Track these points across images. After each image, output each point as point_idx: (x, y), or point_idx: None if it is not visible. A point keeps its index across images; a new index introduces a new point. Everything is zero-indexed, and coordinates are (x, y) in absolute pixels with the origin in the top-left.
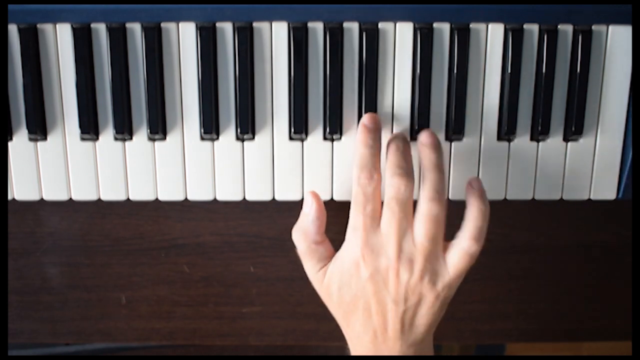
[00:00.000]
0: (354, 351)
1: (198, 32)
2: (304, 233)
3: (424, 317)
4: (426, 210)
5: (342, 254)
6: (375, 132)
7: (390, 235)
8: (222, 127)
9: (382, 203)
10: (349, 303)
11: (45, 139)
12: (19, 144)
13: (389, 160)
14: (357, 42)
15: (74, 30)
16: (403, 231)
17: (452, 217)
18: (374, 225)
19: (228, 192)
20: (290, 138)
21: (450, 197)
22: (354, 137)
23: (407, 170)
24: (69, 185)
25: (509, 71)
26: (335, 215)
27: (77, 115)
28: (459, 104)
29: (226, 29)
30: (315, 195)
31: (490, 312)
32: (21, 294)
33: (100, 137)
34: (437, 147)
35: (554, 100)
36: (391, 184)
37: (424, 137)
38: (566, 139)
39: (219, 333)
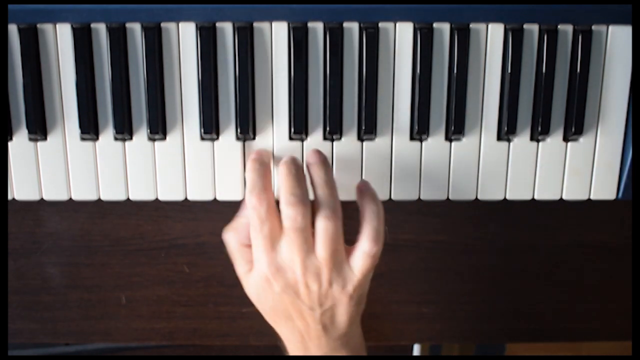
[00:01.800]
0: (288, 348)
1: (198, 32)
2: (235, 232)
3: (343, 315)
4: (323, 229)
5: (253, 272)
6: (260, 159)
7: (294, 258)
8: (222, 127)
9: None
10: (270, 311)
11: (45, 139)
12: (19, 144)
13: (281, 188)
14: (357, 42)
15: (74, 30)
16: (305, 253)
17: (452, 217)
18: (275, 243)
19: (228, 192)
20: (290, 138)
21: (450, 197)
22: (354, 138)
23: (301, 196)
24: (69, 185)
25: (509, 71)
26: None
27: (77, 115)
28: (459, 104)
29: (226, 29)
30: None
31: (490, 312)
32: (21, 294)
33: (100, 137)
34: (324, 164)
35: (554, 100)
36: (287, 215)
37: (310, 156)
38: (566, 138)
39: (219, 333)
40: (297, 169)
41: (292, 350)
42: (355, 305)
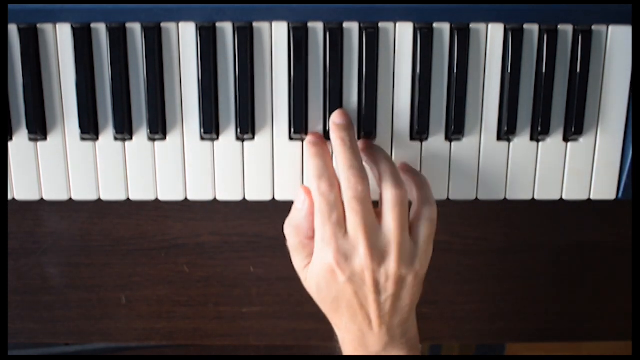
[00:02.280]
0: (342, 339)
1: (198, 32)
2: (296, 228)
3: (406, 298)
4: (392, 197)
5: (315, 263)
6: (321, 145)
7: (359, 235)
8: (222, 127)
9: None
10: (331, 303)
11: (45, 139)
12: (19, 144)
13: (338, 160)
14: (357, 42)
15: (74, 30)
16: (370, 227)
17: (452, 217)
18: (342, 231)
19: (228, 192)
20: (290, 138)
21: (450, 197)
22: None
23: (358, 167)
24: (69, 185)
25: (509, 71)
26: None
27: (77, 115)
28: (459, 104)
29: (226, 29)
30: (308, 191)
31: (490, 312)
32: (21, 294)
33: (100, 137)
34: (372, 145)
35: (554, 100)
36: (348, 185)
37: (362, 143)
38: (566, 138)
39: (219, 333)
40: (351, 140)
41: (348, 345)
42: (419, 285)
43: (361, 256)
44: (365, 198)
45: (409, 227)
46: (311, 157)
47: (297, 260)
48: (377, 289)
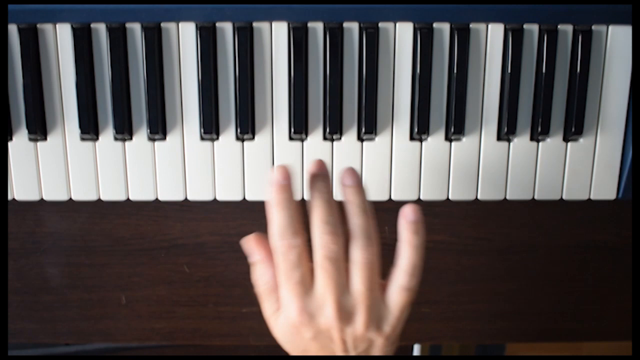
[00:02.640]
0: None
1: (198, 32)
2: (260, 277)
3: (379, 353)
4: (360, 259)
5: (281, 317)
6: (288, 190)
7: (327, 295)
8: (222, 127)
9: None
10: (298, 354)
11: (45, 139)
12: (19, 144)
13: (314, 215)
14: (357, 42)
15: (74, 30)
16: (340, 288)
17: (452, 217)
18: (306, 288)
19: (228, 192)
20: (290, 138)
21: (450, 197)
22: (354, 138)
23: (334, 224)
24: (69, 185)
25: (509, 71)
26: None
27: (77, 115)
28: (459, 104)
29: (226, 29)
30: (259, 244)
31: (490, 312)
32: (21, 294)
33: (100, 137)
34: (361, 188)
35: (554, 100)
36: (321, 244)
37: (346, 178)
38: (566, 139)
39: (219, 333)
40: (328, 193)
41: None
42: (391, 345)
43: (327, 316)
44: (337, 257)
45: (383, 285)
46: (274, 206)
47: (267, 307)
48: (346, 347)
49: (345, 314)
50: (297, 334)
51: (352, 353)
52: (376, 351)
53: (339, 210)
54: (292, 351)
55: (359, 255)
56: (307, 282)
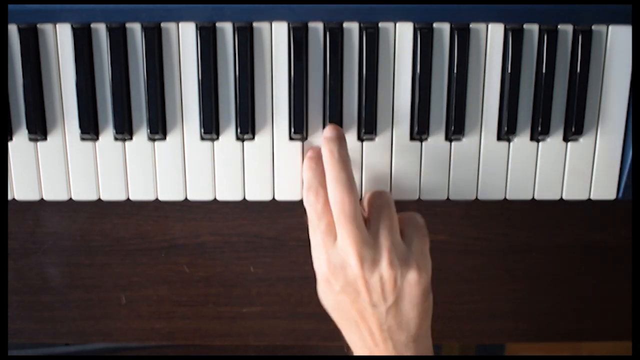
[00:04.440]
0: (356, 353)
1: (198, 32)
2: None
3: (410, 311)
4: (379, 202)
5: (315, 269)
6: (316, 157)
7: (347, 248)
8: (222, 127)
9: None
10: (334, 314)
11: (45, 139)
12: (19, 144)
13: (327, 173)
14: (357, 42)
15: (74, 30)
16: (359, 238)
17: (452, 217)
18: (332, 239)
19: (228, 192)
20: (290, 138)
21: (450, 197)
22: (354, 138)
23: (345, 180)
24: (69, 185)
25: (509, 71)
26: None
27: (77, 115)
28: (459, 104)
29: (226, 29)
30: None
31: (490, 312)
32: (21, 294)
33: (100, 137)
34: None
35: (554, 100)
36: (334, 200)
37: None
38: (566, 138)
39: (219, 333)
40: (339, 152)
41: (358, 353)
42: (422, 296)
43: (352, 266)
44: (352, 211)
45: (400, 233)
46: (304, 170)
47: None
48: (373, 300)
49: (368, 262)
50: (328, 287)
51: (381, 306)
52: (407, 303)
53: (350, 167)
54: (329, 310)
55: (378, 199)
56: (332, 233)
